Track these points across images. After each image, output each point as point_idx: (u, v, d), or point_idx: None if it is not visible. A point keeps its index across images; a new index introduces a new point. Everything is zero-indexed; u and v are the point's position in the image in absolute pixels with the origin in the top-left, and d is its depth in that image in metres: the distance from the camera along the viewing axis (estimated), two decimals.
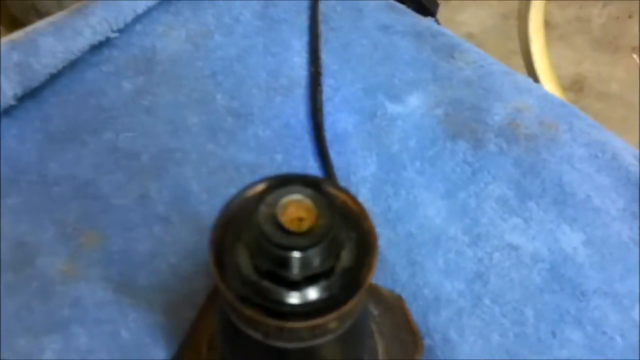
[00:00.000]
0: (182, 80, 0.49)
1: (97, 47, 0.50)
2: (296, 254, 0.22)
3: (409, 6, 0.60)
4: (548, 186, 0.44)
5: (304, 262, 0.23)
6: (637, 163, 0.45)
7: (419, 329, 0.38)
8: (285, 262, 0.23)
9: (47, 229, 0.42)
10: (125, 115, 0.47)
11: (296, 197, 0.23)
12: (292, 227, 0.23)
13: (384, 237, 0.42)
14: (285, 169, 0.45)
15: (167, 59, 0.50)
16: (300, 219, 0.23)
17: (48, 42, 0.46)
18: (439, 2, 0.66)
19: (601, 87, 1.35)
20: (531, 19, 0.56)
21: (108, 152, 0.45)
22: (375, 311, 0.38)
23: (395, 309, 0.39)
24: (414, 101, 0.47)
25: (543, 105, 0.48)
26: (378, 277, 0.40)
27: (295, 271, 0.23)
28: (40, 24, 0.48)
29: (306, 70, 0.49)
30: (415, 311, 0.39)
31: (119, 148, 0.45)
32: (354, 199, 0.26)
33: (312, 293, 0.23)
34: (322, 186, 0.25)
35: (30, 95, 0.47)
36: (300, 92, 0.48)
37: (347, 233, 0.25)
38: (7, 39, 0.46)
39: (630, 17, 1.45)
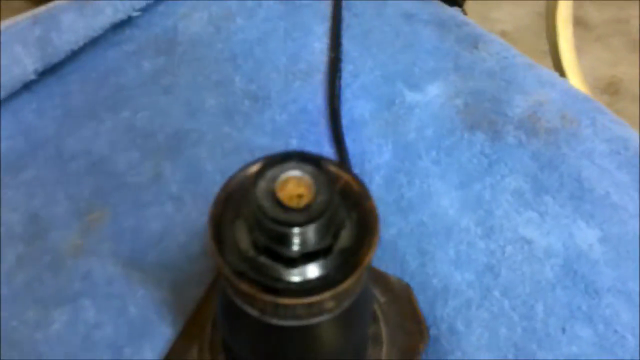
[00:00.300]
0: (201, 62, 0.49)
1: (119, 26, 0.50)
2: (293, 230, 0.22)
3: None
4: (566, 181, 0.43)
5: (301, 239, 0.22)
6: None
7: (425, 318, 0.38)
8: (282, 238, 0.22)
9: (60, 203, 0.42)
10: (143, 95, 0.47)
11: (296, 173, 0.23)
12: (291, 203, 0.23)
13: (396, 225, 0.41)
14: None
15: (188, 40, 0.50)
16: (300, 196, 0.23)
17: (70, 18, 0.46)
18: None
19: (637, 89, 1.32)
20: (559, 13, 0.55)
21: (125, 130, 0.45)
22: (382, 298, 0.38)
23: (402, 297, 0.38)
24: (434, 90, 0.47)
25: (566, 99, 0.47)
26: (387, 265, 0.40)
27: (292, 248, 0.23)
28: (62, 1, 0.48)
29: (326, 56, 0.49)
30: (422, 300, 0.38)
31: (136, 126, 0.46)
32: (356, 178, 0.25)
33: (309, 271, 0.23)
34: (323, 165, 0.25)
35: (51, 71, 0.47)
36: (318, 78, 0.48)
37: (347, 212, 0.25)
38: (29, 14, 0.46)
39: None
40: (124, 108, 0.46)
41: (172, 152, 0.44)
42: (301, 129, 0.45)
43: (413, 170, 0.43)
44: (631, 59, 1.37)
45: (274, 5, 0.53)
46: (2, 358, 0.36)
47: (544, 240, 0.41)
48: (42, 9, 0.46)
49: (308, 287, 0.23)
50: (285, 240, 0.22)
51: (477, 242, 0.41)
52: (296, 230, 0.22)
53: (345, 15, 0.51)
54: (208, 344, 0.34)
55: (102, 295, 0.39)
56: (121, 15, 0.49)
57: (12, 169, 0.44)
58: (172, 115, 0.46)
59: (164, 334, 0.38)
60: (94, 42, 0.49)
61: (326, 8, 0.52)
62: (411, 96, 0.46)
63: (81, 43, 0.47)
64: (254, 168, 0.25)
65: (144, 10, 0.51)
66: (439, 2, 0.56)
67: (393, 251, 0.41)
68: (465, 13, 0.64)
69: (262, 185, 0.23)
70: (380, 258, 0.40)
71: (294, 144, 0.45)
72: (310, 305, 0.24)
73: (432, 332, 0.37)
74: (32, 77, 0.45)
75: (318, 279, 0.23)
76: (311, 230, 0.22)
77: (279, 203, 0.22)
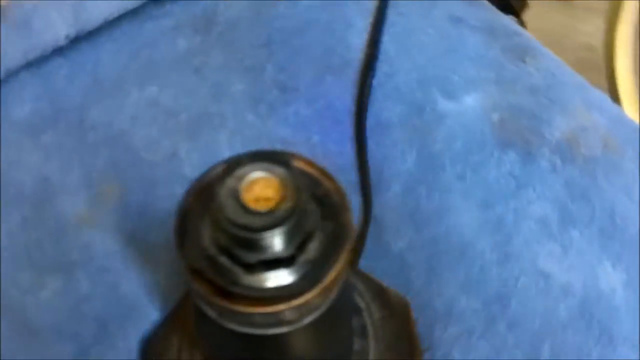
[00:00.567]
0: (236, 45, 0.48)
1: (160, 0, 0.50)
2: (251, 235, 0.21)
3: (492, 2, 0.56)
4: (598, 215, 0.39)
5: (260, 245, 0.21)
6: None
7: (420, 340, 0.35)
8: (241, 242, 0.21)
9: (73, 171, 0.42)
10: (173, 72, 0.47)
11: (266, 174, 0.21)
12: (256, 205, 0.21)
13: (406, 237, 0.39)
14: (319, 151, 0.43)
15: (226, 21, 0.49)
16: (267, 199, 0.21)
17: None
18: (528, 2, 0.61)
19: None
20: (619, 31, 0.51)
21: (148, 106, 0.45)
22: (377, 313, 0.36)
23: (400, 315, 0.36)
24: (469, 101, 0.44)
25: (612, 126, 0.44)
26: (391, 278, 0.38)
27: (251, 253, 0.21)
28: None
29: (362, 53, 0.47)
30: (422, 322, 0.36)
31: (160, 103, 0.45)
32: (338, 188, 0.24)
33: (268, 279, 0.22)
34: (306, 169, 0.24)
35: (86, 39, 0.47)
36: (351, 74, 0.46)
37: (321, 223, 0.23)
38: None
39: None
40: (152, 83, 0.46)
41: (191, 133, 0.44)
42: (325, 125, 0.44)
43: (434, 182, 0.41)
44: None
45: None
46: None
47: (563, 276, 0.38)
48: None
49: (265, 296, 0.22)
50: (244, 244, 0.21)
51: (491, 268, 0.38)
52: (255, 235, 0.21)
53: (390, 12, 0.49)
54: (188, 338, 0.33)
55: (97, 269, 0.39)
56: None
57: (33, 131, 0.44)
58: (198, 96, 0.45)
59: (150, 316, 0.37)
60: (133, 13, 0.49)
61: (371, 3, 0.50)
62: (444, 104, 0.44)
63: (116, 14, 0.46)
64: (233, 162, 0.24)
65: None
66: (494, 8, 0.52)
67: (399, 265, 0.39)
68: (522, 23, 0.60)
69: (229, 183, 0.21)
70: (384, 270, 0.38)
71: (315, 140, 0.43)
72: (266, 314, 0.22)
73: (426, 356, 0.35)
74: (62, 42, 0.45)
75: (277, 289, 0.22)
76: (272, 237, 0.21)
77: (240, 203, 0.21)
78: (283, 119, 0.44)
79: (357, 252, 0.39)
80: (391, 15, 0.49)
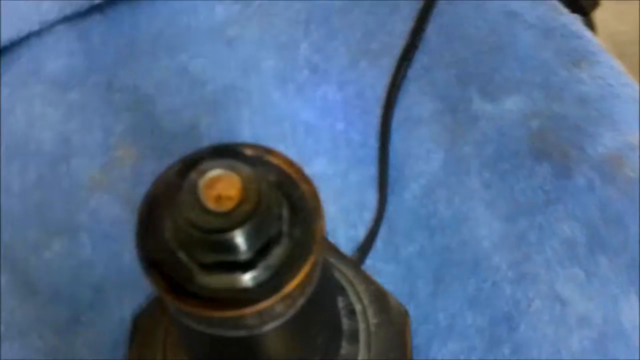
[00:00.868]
0: (274, 19, 0.46)
1: None
2: (205, 235, 0.19)
3: None
4: (631, 244, 0.36)
5: (215, 246, 0.19)
6: None
7: (414, 354, 0.34)
8: (194, 240, 0.20)
9: (94, 132, 0.42)
10: (206, 41, 0.45)
11: (227, 172, 0.20)
12: (217, 204, 0.20)
13: (418, 242, 0.37)
14: (341, 139, 0.41)
15: None
16: (230, 198, 0.20)
17: None
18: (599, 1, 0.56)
19: None
20: None
21: (176, 73, 0.44)
22: (373, 319, 0.34)
23: (396, 324, 0.34)
24: (509, 104, 0.41)
25: None
26: (396, 283, 0.36)
27: (205, 253, 0.20)
28: None
29: (404, 40, 0.44)
30: (420, 334, 0.35)
31: (188, 72, 0.44)
32: (315, 193, 0.22)
33: (223, 281, 0.20)
34: (282, 168, 0.22)
35: None
36: (387, 62, 0.43)
37: (290, 228, 0.21)
38: None
39: None
40: (183, 51, 0.45)
41: (214, 106, 0.43)
42: (352, 113, 0.42)
43: (457, 187, 0.39)
44: None
45: None
46: None
47: (582, 305, 0.35)
48: None
49: (218, 298, 0.20)
50: (198, 243, 0.20)
51: (504, 286, 0.36)
52: (208, 235, 0.19)
53: (441, 1, 0.46)
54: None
55: (101, 235, 0.38)
56: None
57: (61, 87, 0.44)
58: (227, 69, 0.44)
59: (147, 290, 0.36)
60: None
61: None
62: (480, 105, 0.41)
63: None
64: (209, 151, 0.22)
65: None
66: (558, 5, 0.48)
67: (407, 270, 0.37)
68: (590, 24, 0.56)
69: (192, 177, 0.20)
70: (390, 274, 0.36)
71: (339, 128, 0.41)
72: (224, 318, 0.21)
73: None
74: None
75: (233, 291, 0.20)
76: (228, 239, 0.19)
77: (198, 200, 0.19)
78: (310, 101, 0.42)
79: (364, 251, 0.37)
80: (442, 3, 0.46)
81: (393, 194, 0.38)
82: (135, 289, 0.36)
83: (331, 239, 0.35)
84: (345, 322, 0.32)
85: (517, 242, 0.37)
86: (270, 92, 0.43)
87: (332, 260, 0.35)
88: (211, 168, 0.20)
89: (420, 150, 0.40)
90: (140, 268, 0.22)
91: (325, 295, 0.26)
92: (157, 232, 0.22)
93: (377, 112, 0.42)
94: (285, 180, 0.22)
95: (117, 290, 0.37)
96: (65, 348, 0.35)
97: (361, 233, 0.38)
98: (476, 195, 0.38)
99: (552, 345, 0.34)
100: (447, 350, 0.34)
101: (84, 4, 0.45)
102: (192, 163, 0.20)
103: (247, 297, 0.20)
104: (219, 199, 0.20)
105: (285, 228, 0.21)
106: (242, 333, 0.22)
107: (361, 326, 0.33)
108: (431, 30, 0.44)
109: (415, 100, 0.42)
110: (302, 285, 0.21)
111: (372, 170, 0.40)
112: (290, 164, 0.23)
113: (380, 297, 0.35)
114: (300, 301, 0.22)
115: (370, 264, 0.36)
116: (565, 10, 0.49)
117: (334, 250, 0.36)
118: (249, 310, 0.20)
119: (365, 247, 0.37)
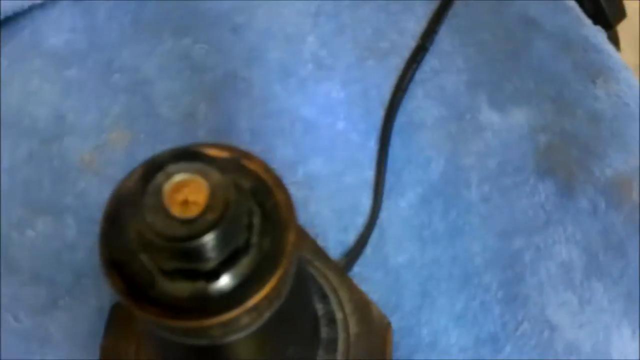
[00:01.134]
0: (282, 10, 0.45)
1: None
2: (162, 242, 0.18)
3: (584, 7, 0.50)
4: (631, 274, 0.35)
5: (177, 253, 0.18)
6: None
7: None
8: (155, 246, 0.19)
9: (89, 112, 0.41)
10: (212, 27, 0.44)
11: (194, 176, 0.19)
12: (182, 209, 0.18)
13: (407, 254, 0.36)
14: (340, 140, 0.40)
15: None
16: (197, 204, 0.19)
17: None
18: (626, 13, 0.54)
19: None
20: None
21: (178, 58, 0.43)
22: (355, 328, 0.33)
23: (377, 336, 0.33)
24: (518, 116, 0.40)
25: None
26: (381, 294, 0.35)
27: (166, 259, 0.19)
28: None
29: (415, 41, 0.43)
30: (402, 348, 0.33)
31: (190, 57, 0.43)
32: (289, 204, 0.21)
33: (183, 289, 0.19)
34: (259, 175, 0.21)
35: None
36: (395, 63, 0.42)
37: (259, 239, 0.20)
38: None
39: None
40: (188, 35, 0.44)
41: (213, 95, 0.41)
42: (354, 113, 0.40)
43: (454, 199, 0.37)
44: None
45: None
46: None
47: (571, 332, 0.34)
48: None
49: (179, 306, 0.19)
50: (161, 249, 0.19)
51: (492, 306, 0.35)
52: (171, 243, 0.18)
53: (457, 2, 0.44)
54: None
55: (87, 219, 0.38)
56: None
57: (60, 63, 0.43)
58: (230, 57, 0.43)
59: None
60: None
61: None
62: (487, 114, 0.39)
63: None
64: (182, 151, 0.21)
65: None
66: (580, 15, 0.46)
67: (393, 281, 0.35)
68: (613, 37, 0.54)
69: (159, 179, 0.19)
70: (376, 283, 0.35)
71: (339, 127, 0.40)
72: (186, 328, 0.20)
73: None
74: None
75: (195, 300, 0.19)
76: (190, 247, 0.18)
77: (162, 204, 0.18)
78: (311, 97, 0.41)
79: (352, 256, 0.36)
80: (458, 4, 0.44)
81: (388, 200, 0.37)
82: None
83: (321, 242, 0.34)
84: (324, 331, 0.31)
85: (511, 261, 0.36)
86: (272, 84, 0.42)
87: (317, 264, 0.34)
88: (179, 171, 0.19)
89: (421, 157, 0.39)
90: (100, 267, 0.21)
91: (298, 306, 0.25)
92: (122, 230, 0.21)
93: (380, 113, 0.40)
94: (260, 188, 0.21)
95: (97, 277, 0.36)
96: (39, 332, 0.35)
97: (352, 237, 0.37)
98: (473, 209, 0.37)
99: None
100: None
101: None
102: (159, 165, 0.19)
103: (210, 307, 0.19)
104: (185, 203, 0.19)
105: (254, 238, 0.20)
106: (204, 342, 0.21)
107: (341, 335, 0.32)
108: (444, 32, 0.43)
109: (421, 105, 0.40)
110: (268, 299, 0.20)
111: (369, 173, 0.38)
112: (267, 170, 0.21)
113: (363, 306, 0.34)
114: (267, 314, 0.21)
115: (358, 271, 0.35)
116: (588, 22, 0.47)
117: (322, 254, 0.35)
118: (210, 322, 0.19)
119: (354, 253, 0.36)
